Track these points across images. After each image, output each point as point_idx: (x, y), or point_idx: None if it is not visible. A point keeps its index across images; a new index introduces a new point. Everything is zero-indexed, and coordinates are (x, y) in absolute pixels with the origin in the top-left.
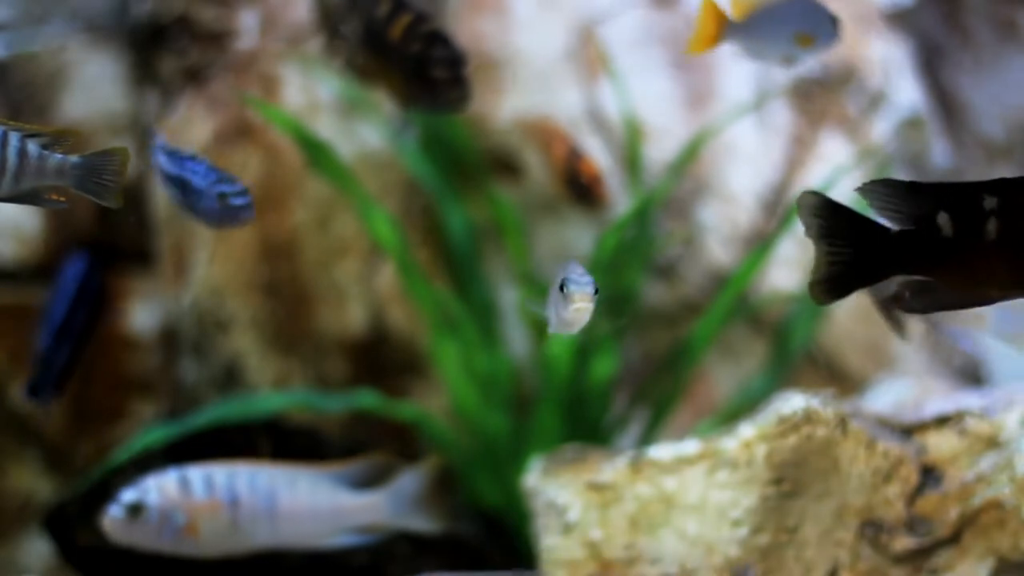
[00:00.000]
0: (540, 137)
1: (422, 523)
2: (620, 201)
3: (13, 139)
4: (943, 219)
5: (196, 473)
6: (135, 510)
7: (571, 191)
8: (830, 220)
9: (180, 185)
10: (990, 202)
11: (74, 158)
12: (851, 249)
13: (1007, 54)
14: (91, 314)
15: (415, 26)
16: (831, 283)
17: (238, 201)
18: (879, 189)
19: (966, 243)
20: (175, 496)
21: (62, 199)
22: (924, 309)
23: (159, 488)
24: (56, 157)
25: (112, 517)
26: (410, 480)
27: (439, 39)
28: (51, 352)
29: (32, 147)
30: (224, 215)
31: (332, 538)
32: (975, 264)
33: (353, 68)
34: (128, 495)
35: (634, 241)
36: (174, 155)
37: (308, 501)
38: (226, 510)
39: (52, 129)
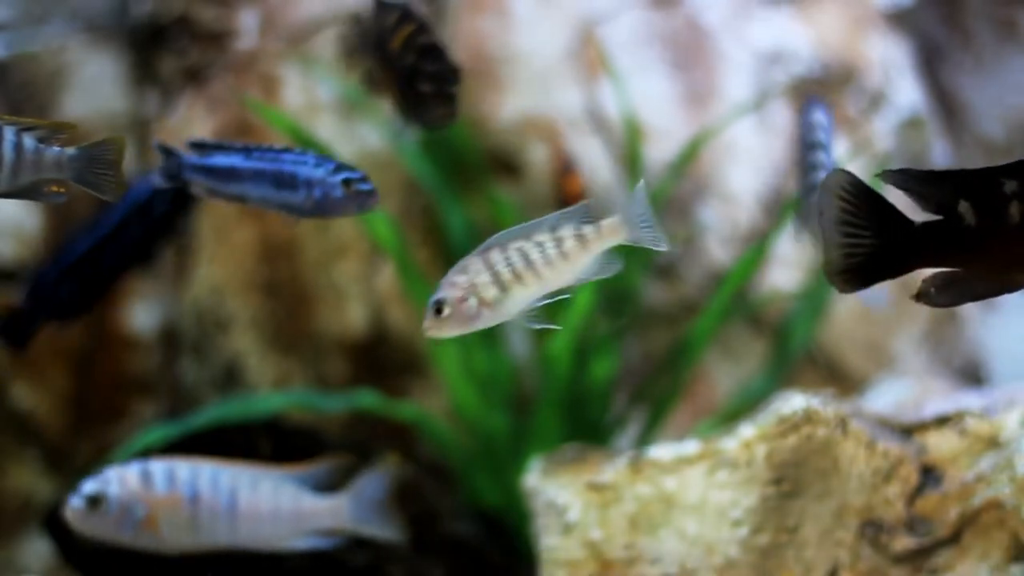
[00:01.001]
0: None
1: (383, 529)
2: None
3: (9, 134)
4: (964, 207)
5: (159, 466)
6: (95, 501)
7: (557, 206)
8: (856, 205)
9: (275, 180)
10: (1010, 186)
11: (71, 150)
12: (876, 239)
13: (1007, 54)
14: (135, 244)
15: (413, 37)
16: (853, 273)
17: (365, 187)
18: (897, 179)
19: (990, 230)
20: (136, 488)
21: (61, 190)
22: (952, 302)
23: (120, 480)
24: (53, 150)
25: (73, 507)
26: (371, 483)
27: (432, 52)
28: (50, 285)
29: (29, 141)
30: (349, 203)
31: (293, 541)
32: (1001, 250)
33: (366, 81)
34: (89, 486)
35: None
36: (253, 151)
37: (269, 502)
38: (186, 505)
39: (48, 123)
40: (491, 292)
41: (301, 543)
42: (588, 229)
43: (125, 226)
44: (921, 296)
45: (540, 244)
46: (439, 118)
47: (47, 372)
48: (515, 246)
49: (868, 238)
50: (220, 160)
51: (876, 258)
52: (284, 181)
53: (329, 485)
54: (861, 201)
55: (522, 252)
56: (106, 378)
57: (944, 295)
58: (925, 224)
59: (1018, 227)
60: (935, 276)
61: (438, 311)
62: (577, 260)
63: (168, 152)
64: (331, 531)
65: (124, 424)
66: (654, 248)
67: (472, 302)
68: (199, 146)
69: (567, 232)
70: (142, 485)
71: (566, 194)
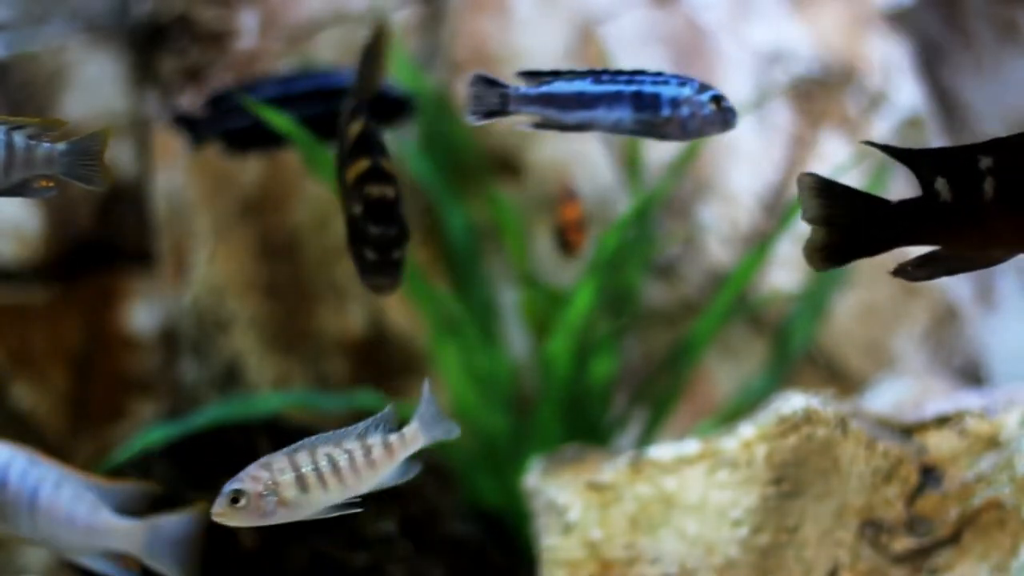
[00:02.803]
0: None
1: (173, 570)
2: (620, 201)
3: None
4: (941, 184)
5: None
6: None
7: (556, 232)
8: (830, 199)
9: (635, 102)
10: (985, 162)
11: (61, 145)
12: (850, 219)
13: (1007, 54)
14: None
15: (366, 180)
16: (828, 250)
17: (729, 105)
18: (887, 150)
19: (965, 206)
20: None
21: (50, 185)
22: (928, 276)
23: None
24: (44, 146)
25: None
26: (174, 521)
27: (381, 209)
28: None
29: (19, 139)
30: (716, 121)
31: (86, 556)
32: (976, 226)
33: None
34: None
35: (634, 241)
36: (600, 75)
37: (66, 507)
38: None
39: (38, 120)
40: (291, 492)
41: (97, 564)
42: (394, 438)
43: (312, 98)
44: (898, 272)
45: (349, 452)
46: (378, 287)
47: (47, 372)
48: (325, 450)
49: (844, 218)
50: (562, 87)
51: (853, 236)
52: (645, 102)
53: (133, 510)
54: (833, 191)
55: (331, 458)
56: (106, 378)
57: (921, 270)
58: (901, 202)
59: (992, 203)
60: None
61: (234, 500)
62: (382, 468)
63: (490, 83)
64: (121, 557)
65: (124, 424)
66: (447, 438)
67: (270, 499)
68: (530, 75)
69: (375, 440)
70: None
71: (564, 220)
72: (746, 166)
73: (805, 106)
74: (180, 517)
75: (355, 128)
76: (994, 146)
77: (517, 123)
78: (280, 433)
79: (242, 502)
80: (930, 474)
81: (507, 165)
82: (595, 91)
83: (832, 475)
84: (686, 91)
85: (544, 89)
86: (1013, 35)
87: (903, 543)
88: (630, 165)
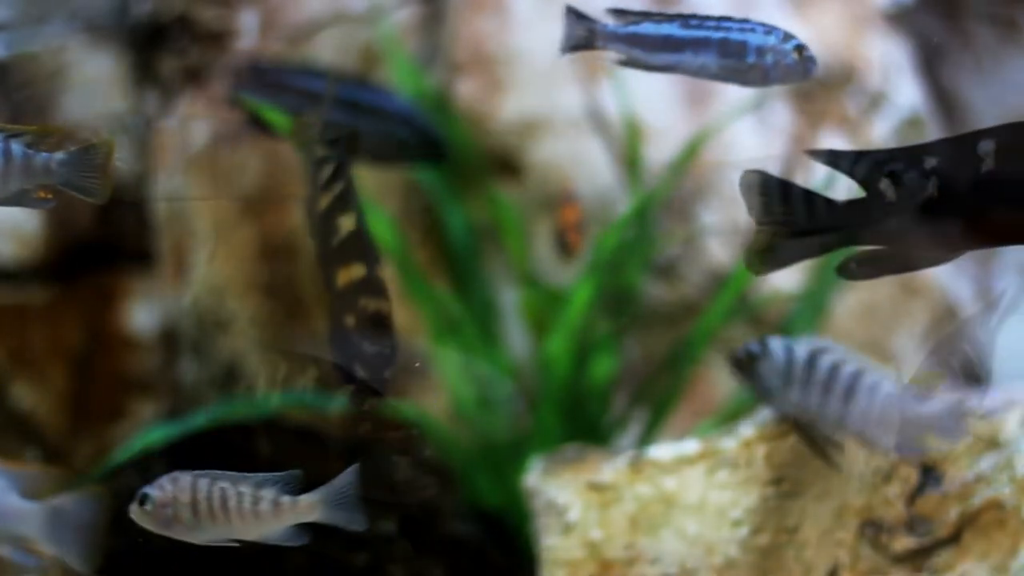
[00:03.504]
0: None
1: (71, 554)
2: (620, 201)
3: None
4: (885, 184)
5: None
6: None
7: (555, 234)
8: (773, 196)
9: (721, 49)
10: (930, 162)
11: (60, 155)
12: (794, 219)
13: (1007, 54)
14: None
15: (362, 290)
16: (768, 254)
17: (810, 54)
18: (827, 158)
19: (908, 207)
20: None
21: (49, 196)
22: (872, 275)
23: None
24: (42, 156)
25: None
26: (74, 503)
27: (377, 325)
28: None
29: (16, 147)
30: (798, 70)
31: None
32: (919, 227)
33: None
34: None
35: (634, 241)
36: (689, 19)
37: None
38: None
39: (35, 128)
40: (185, 513)
41: (3, 550)
42: (286, 500)
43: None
44: (841, 270)
45: (240, 494)
46: (363, 405)
47: (47, 372)
48: (221, 484)
49: (787, 219)
50: (650, 29)
51: (793, 237)
52: (731, 49)
53: (34, 494)
54: (778, 189)
55: (223, 494)
56: (106, 378)
57: (864, 268)
58: (848, 202)
59: (935, 204)
60: (859, 251)
61: (142, 502)
62: (266, 523)
63: (580, 17)
64: (23, 541)
65: (124, 424)
66: (350, 527)
67: (169, 512)
68: (620, 13)
69: (267, 494)
70: None
71: (563, 222)
72: (746, 166)
73: (805, 106)
74: (78, 499)
75: (347, 223)
76: (938, 147)
77: (605, 59)
78: (280, 433)
79: (147, 506)
80: (930, 474)
81: (507, 165)
82: (682, 35)
83: (832, 475)
84: (771, 40)
85: (632, 29)
86: (1013, 35)
87: (903, 543)
88: (630, 165)
